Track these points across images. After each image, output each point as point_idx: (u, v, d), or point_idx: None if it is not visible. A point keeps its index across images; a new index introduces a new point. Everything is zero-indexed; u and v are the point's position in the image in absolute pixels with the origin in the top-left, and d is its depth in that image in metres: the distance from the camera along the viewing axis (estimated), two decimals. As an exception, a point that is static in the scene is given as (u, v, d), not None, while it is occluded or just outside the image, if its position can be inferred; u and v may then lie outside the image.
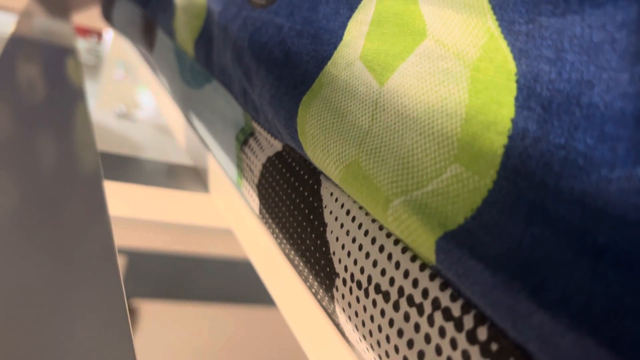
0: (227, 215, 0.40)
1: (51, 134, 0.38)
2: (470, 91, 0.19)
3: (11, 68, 0.49)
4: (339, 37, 0.27)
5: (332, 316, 0.26)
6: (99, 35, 1.67)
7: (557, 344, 0.14)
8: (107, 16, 0.78)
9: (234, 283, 1.41)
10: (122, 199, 0.41)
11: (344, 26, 0.27)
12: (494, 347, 0.16)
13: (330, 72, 0.26)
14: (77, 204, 0.29)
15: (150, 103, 1.61)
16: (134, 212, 0.41)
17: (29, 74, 0.50)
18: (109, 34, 1.55)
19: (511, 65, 0.19)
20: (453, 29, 0.21)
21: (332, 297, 0.25)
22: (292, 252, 0.28)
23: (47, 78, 0.51)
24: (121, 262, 1.30)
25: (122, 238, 1.27)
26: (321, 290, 0.26)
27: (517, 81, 0.18)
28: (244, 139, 0.36)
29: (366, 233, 0.22)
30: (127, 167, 0.46)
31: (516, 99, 0.18)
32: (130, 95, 1.62)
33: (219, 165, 0.43)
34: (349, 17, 0.27)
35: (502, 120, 0.18)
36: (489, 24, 0.20)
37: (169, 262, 1.40)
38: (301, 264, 0.28)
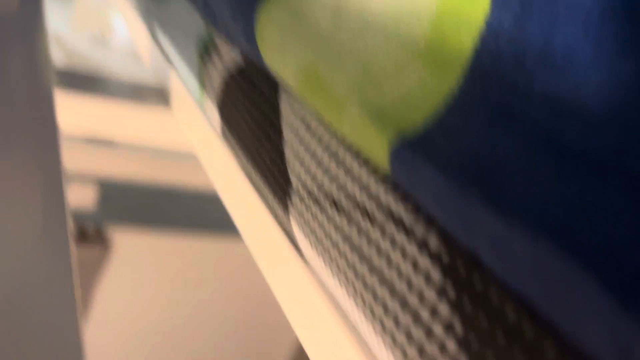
0: (190, 136, 0.39)
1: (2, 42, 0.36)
2: None
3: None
4: None
5: (291, 237, 0.25)
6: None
7: (508, 250, 0.13)
8: None
9: (210, 213, 1.41)
10: (88, 114, 0.39)
11: None
12: (445, 257, 0.15)
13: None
14: (26, 118, 0.27)
15: (125, 28, 1.55)
16: (102, 128, 0.39)
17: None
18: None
19: None
20: None
21: (288, 215, 0.23)
22: (252, 171, 0.27)
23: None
24: (94, 190, 1.28)
25: (95, 166, 1.25)
26: (279, 209, 0.25)
27: None
28: (206, 51, 0.34)
29: (325, 147, 0.21)
30: (95, 85, 0.43)
31: None
32: (104, 19, 1.56)
33: (182, 84, 0.41)
34: None
35: (475, 21, 0.16)
36: None
37: (143, 191, 1.39)
38: (261, 183, 0.26)
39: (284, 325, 1.54)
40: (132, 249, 1.29)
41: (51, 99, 0.30)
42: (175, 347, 1.44)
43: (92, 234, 1.25)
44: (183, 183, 1.36)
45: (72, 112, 0.39)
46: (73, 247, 0.19)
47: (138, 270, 1.30)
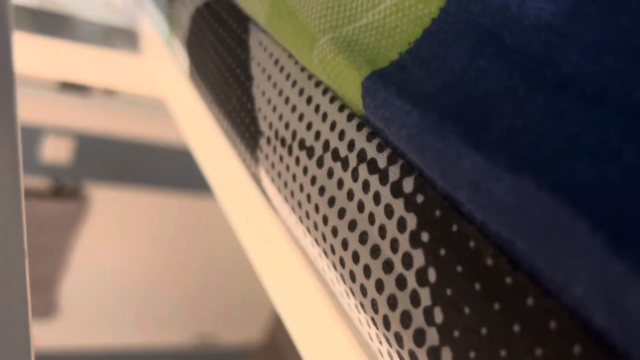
0: (159, 80, 0.37)
1: None
2: None
3: None
4: None
5: (259, 184, 0.24)
6: None
7: (489, 189, 0.12)
8: None
9: (189, 171, 1.39)
10: (56, 57, 0.36)
11: None
12: (420, 198, 0.14)
13: None
14: None
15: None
16: (70, 72, 0.37)
17: None
18: None
19: None
20: None
21: (257, 160, 0.22)
22: (220, 114, 0.25)
23: None
24: (71, 145, 1.25)
25: (71, 118, 1.22)
26: (247, 154, 0.23)
27: None
28: (175, -10, 0.32)
29: (294, 84, 0.19)
30: (64, 27, 0.41)
31: None
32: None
33: (152, 26, 0.39)
34: None
35: None
36: None
37: (122, 146, 1.36)
38: (229, 126, 0.25)
39: (258, 280, 1.54)
40: (109, 205, 1.27)
41: (8, 43, 0.28)
42: (150, 301, 1.43)
43: (68, 189, 1.22)
44: (163, 139, 1.33)
45: (38, 54, 0.37)
46: (22, 195, 0.18)
47: (115, 226, 1.28)
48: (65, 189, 1.24)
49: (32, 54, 0.36)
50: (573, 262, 0.10)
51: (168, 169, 1.36)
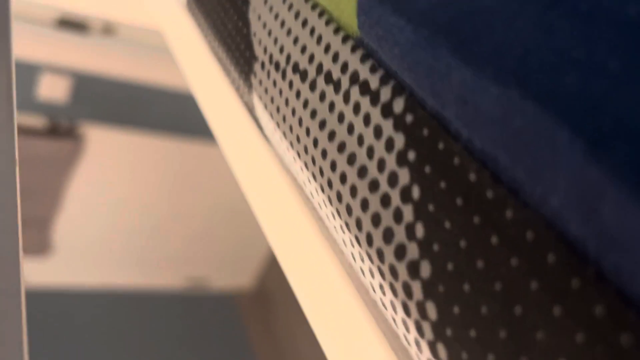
0: (157, 11, 0.36)
1: None
2: None
3: None
4: None
5: (252, 111, 0.24)
6: None
7: (477, 103, 0.12)
8: None
9: (185, 115, 1.38)
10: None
11: None
12: (409, 118, 0.14)
13: None
14: None
15: None
16: (72, 2, 0.36)
17: None
18: None
19: None
20: None
21: (250, 86, 0.22)
22: (216, 41, 0.25)
23: None
24: (67, 84, 1.24)
25: (69, 56, 1.20)
26: (241, 81, 0.23)
27: None
28: None
29: (290, 7, 0.19)
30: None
31: None
32: None
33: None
34: None
35: None
36: None
37: (119, 87, 1.35)
38: (224, 53, 0.24)
39: (258, 226, 1.56)
40: (104, 145, 1.27)
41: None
42: (142, 242, 1.45)
43: (63, 128, 1.22)
44: (160, 82, 1.32)
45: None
46: (15, 137, 0.17)
47: (110, 167, 1.28)
48: (61, 128, 1.24)
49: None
50: (552, 172, 0.10)
51: (165, 112, 1.36)
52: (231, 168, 0.30)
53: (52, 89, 1.22)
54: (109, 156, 1.31)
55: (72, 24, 1.19)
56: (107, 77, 1.34)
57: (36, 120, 1.22)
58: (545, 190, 0.11)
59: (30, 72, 1.16)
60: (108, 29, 1.28)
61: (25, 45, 1.04)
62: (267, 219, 0.24)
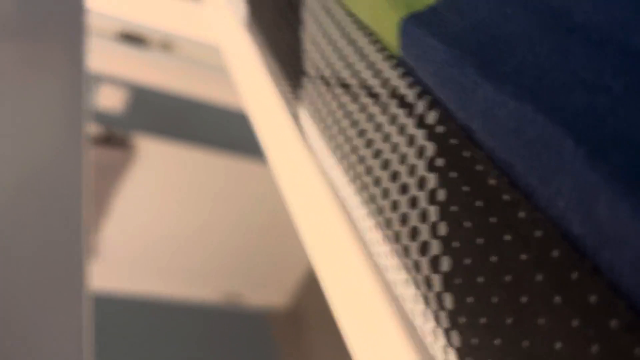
0: (217, 29, 0.39)
1: None
2: None
3: None
4: None
5: (298, 122, 0.26)
6: None
7: (497, 115, 0.13)
8: None
9: (236, 133, 1.42)
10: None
11: None
12: (440, 129, 0.16)
13: None
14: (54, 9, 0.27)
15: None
16: (130, 12, 0.40)
17: None
18: None
19: None
20: None
21: (298, 98, 0.24)
22: (270, 57, 0.27)
23: None
24: (123, 94, 1.29)
25: (127, 69, 1.26)
26: (291, 93, 0.25)
27: None
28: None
29: (340, 28, 0.21)
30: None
31: None
32: None
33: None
34: None
35: None
36: None
37: (173, 101, 1.40)
38: (276, 67, 0.27)
39: (295, 245, 1.58)
40: (154, 156, 1.31)
41: None
42: (181, 254, 1.48)
43: (117, 137, 1.27)
44: (213, 99, 1.37)
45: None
46: (87, 145, 0.19)
47: (158, 177, 1.33)
48: (114, 137, 1.29)
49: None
50: (559, 177, 0.12)
51: (215, 128, 1.40)
52: (275, 177, 0.32)
53: (109, 99, 1.27)
54: (158, 167, 1.36)
55: (132, 38, 1.25)
56: (162, 90, 1.40)
57: (91, 129, 1.28)
58: (553, 193, 0.12)
59: (89, 82, 1.22)
60: (166, 45, 1.34)
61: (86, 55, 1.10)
62: (307, 230, 0.26)
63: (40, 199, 0.16)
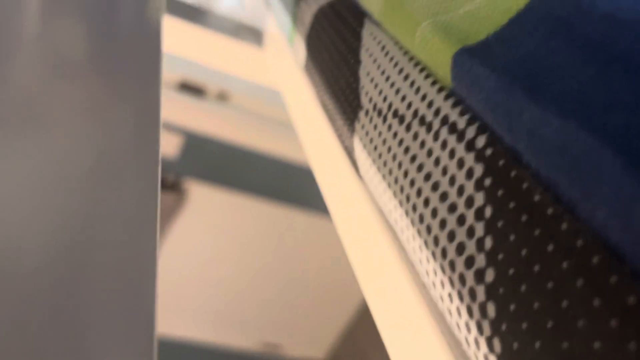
0: (276, 71, 0.41)
1: None
2: None
3: None
4: None
5: (350, 154, 0.27)
6: None
7: (542, 134, 0.14)
8: None
9: (284, 183, 1.45)
10: (188, 40, 0.42)
11: None
12: (488, 152, 0.17)
13: None
14: (132, 44, 0.29)
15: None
16: (197, 54, 0.43)
17: None
18: None
19: None
20: None
21: (353, 130, 0.25)
22: (327, 95, 0.29)
23: None
24: (177, 141, 1.34)
25: (183, 116, 1.32)
26: (345, 127, 0.27)
27: None
28: (303, -7, 0.36)
29: (395, 64, 0.23)
30: (200, 16, 0.47)
31: None
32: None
33: (277, 24, 0.44)
34: None
35: None
36: None
37: (226, 149, 1.44)
38: (333, 104, 0.28)
39: (334, 299, 1.57)
40: (205, 202, 1.35)
41: (159, 30, 0.32)
42: (225, 301, 1.49)
43: (170, 182, 1.32)
44: (262, 148, 1.40)
45: (171, 35, 0.43)
46: (159, 181, 0.20)
47: (207, 223, 1.36)
48: (167, 181, 1.34)
49: (170, 33, 0.41)
50: (599, 189, 0.13)
51: (266, 178, 1.43)
52: (329, 207, 0.33)
53: (166, 145, 1.33)
54: (206, 213, 1.40)
55: (191, 88, 1.32)
56: (216, 138, 1.45)
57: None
58: (594, 205, 0.13)
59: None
60: (222, 95, 1.40)
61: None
62: (357, 256, 0.27)
63: (115, 246, 0.17)
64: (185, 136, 1.38)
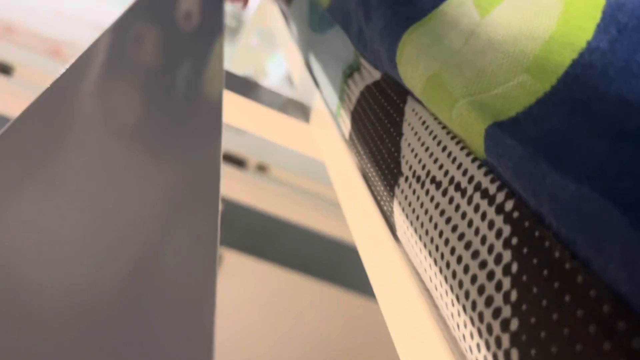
0: (322, 144, 0.44)
1: (192, 54, 0.43)
2: (559, 21, 0.22)
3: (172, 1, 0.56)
4: None
5: (389, 217, 0.29)
6: (245, 1, 1.78)
7: (561, 197, 0.16)
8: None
9: (321, 258, 1.46)
10: (236, 110, 0.46)
11: None
12: (515, 214, 0.19)
13: (442, 10, 0.29)
14: (193, 117, 0.31)
15: (277, 73, 1.69)
16: (244, 124, 0.46)
17: (182, 6, 0.57)
18: (254, 1, 1.65)
19: None
20: (554, -29, 0.24)
21: (393, 195, 0.28)
22: (369, 164, 0.32)
23: (198, 11, 0.57)
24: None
25: (225, 188, 1.36)
26: (385, 192, 0.29)
27: (603, 11, 0.20)
28: (350, 72, 0.40)
29: (434, 137, 0.25)
30: (247, 88, 0.51)
31: (598, 25, 0.20)
32: (260, 63, 1.72)
33: (323, 101, 0.47)
34: None
35: (579, 42, 0.20)
36: None
37: (261, 219, 1.47)
38: (373, 172, 0.31)
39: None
40: (239, 271, 1.37)
41: (219, 106, 0.35)
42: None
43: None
44: (298, 220, 1.43)
45: (228, 107, 0.46)
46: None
47: (240, 292, 1.37)
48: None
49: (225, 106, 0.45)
50: (609, 244, 0.15)
51: (302, 251, 1.45)
52: (366, 268, 0.34)
53: (205, 212, 1.37)
54: (242, 281, 1.41)
55: (232, 159, 1.38)
56: (254, 208, 1.48)
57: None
58: (606, 260, 0.15)
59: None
60: (262, 167, 1.46)
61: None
62: (390, 311, 0.28)
63: (175, 313, 0.17)
64: (224, 204, 1.42)
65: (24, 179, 0.20)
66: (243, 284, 1.38)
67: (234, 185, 1.43)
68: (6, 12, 1.80)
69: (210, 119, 0.32)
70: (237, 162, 1.47)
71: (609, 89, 0.18)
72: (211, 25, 0.54)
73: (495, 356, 0.18)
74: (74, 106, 0.27)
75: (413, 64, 0.28)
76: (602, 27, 0.20)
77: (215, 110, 0.34)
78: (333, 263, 1.48)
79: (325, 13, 0.52)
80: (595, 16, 0.20)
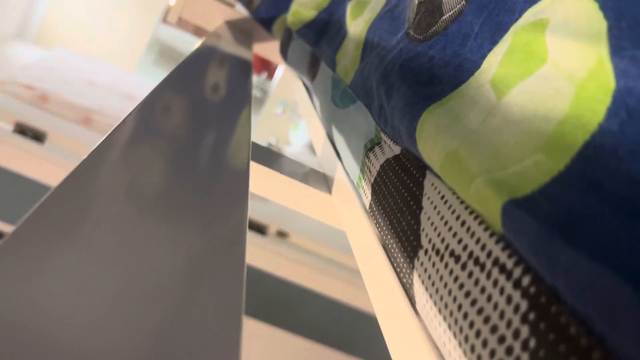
0: (342, 213, 0.45)
1: (219, 124, 0.45)
2: (572, 103, 0.23)
3: (198, 71, 0.59)
4: (478, 66, 0.31)
5: (409, 289, 0.30)
6: (269, 73, 1.84)
7: (576, 274, 0.17)
8: (284, 53, 0.90)
9: (339, 328, 1.44)
10: (261, 181, 0.47)
11: (484, 57, 0.31)
12: (532, 290, 0.19)
13: (462, 91, 0.31)
14: (222, 189, 0.32)
15: (299, 142, 1.72)
16: (268, 194, 0.47)
17: (211, 78, 0.59)
18: (278, 74, 1.71)
19: (612, 84, 0.22)
20: (569, 55, 0.25)
21: (412, 267, 0.28)
22: (389, 236, 0.33)
23: (226, 83, 0.60)
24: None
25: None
26: (405, 264, 0.30)
27: (614, 95, 0.22)
28: (371, 146, 0.41)
29: (453, 212, 0.26)
30: (271, 158, 0.53)
31: (608, 108, 0.21)
32: (284, 132, 1.76)
33: (345, 172, 0.48)
34: (489, 50, 0.31)
35: (591, 124, 0.21)
36: (601, 50, 0.23)
37: (281, 287, 1.47)
38: (394, 245, 0.32)
39: None
40: (255, 338, 1.35)
41: (246, 175, 0.36)
42: None
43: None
44: (314, 287, 1.42)
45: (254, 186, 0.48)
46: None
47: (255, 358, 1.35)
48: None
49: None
50: (625, 321, 0.15)
51: (318, 319, 1.43)
52: (387, 344, 0.34)
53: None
54: (258, 349, 1.39)
55: (253, 226, 1.40)
56: (274, 274, 1.48)
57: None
58: (621, 336, 0.15)
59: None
60: (282, 233, 1.47)
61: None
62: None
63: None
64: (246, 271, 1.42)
65: (59, 245, 0.21)
66: (262, 353, 1.36)
67: (255, 252, 1.44)
68: (42, 82, 1.88)
69: (237, 187, 0.33)
70: (258, 229, 1.48)
71: (620, 169, 0.19)
72: (239, 96, 0.56)
73: None
74: (106, 176, 0.28)
75: (432, 141, 0.29)
76: (613, 110, 0.21)
77: (241, 178, 0.35)
78: (352, 333, 1.45)
79: (348, 89, 0.54)
80: (606, 100, 0.22)
